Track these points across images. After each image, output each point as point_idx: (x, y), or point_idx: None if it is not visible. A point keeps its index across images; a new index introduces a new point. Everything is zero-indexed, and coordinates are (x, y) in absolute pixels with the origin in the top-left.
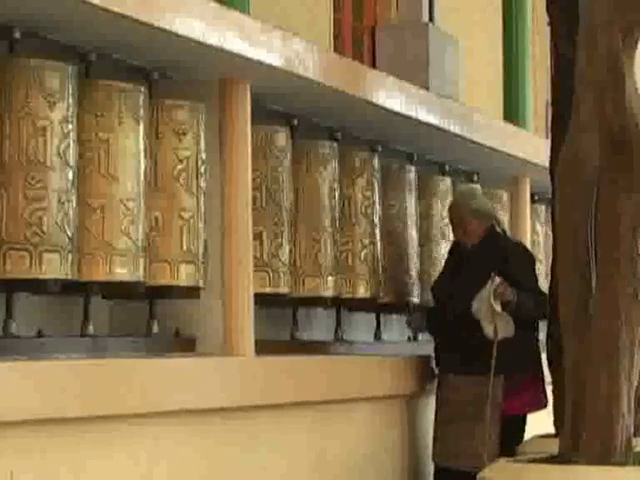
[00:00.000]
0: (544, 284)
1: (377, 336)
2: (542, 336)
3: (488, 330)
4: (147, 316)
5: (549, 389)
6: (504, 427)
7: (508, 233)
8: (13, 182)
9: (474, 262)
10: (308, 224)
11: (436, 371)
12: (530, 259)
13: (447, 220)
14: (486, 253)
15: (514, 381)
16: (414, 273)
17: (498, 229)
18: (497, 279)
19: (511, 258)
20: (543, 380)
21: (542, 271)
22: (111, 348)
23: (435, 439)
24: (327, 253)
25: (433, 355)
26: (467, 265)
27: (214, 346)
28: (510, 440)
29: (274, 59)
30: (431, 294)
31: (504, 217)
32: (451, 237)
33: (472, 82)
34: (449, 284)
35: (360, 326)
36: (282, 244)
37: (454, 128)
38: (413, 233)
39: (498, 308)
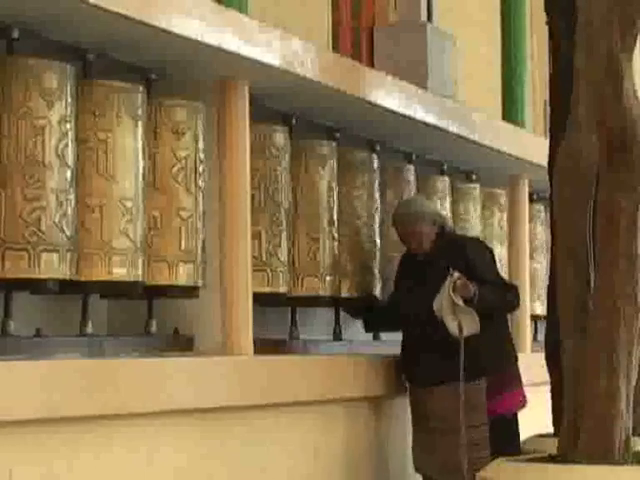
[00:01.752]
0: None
1: (375, 336)
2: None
3: (452, 327)
4: (146, 316)
5: (542, 389)
6: (493, 431)
7: (460, 231)
8: (11, 182)
9: (436, 267)
10: (307, 224)
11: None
12: (489, 251)
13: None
14: (445, 255)
15: (496, 381)
16: None
17: (447, 228)
18: (455, 274)
19: (470, 254)
20: (519, 377)
21: (541, 270)
22: (110, 348)
23: (416, 449)
24: (326, 253)
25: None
26: (429, 272)
27: (213, 345)
28: (502, 443)
29: (273, 59)
30: (389, 310)
31: (502, 216)
32: None
33: (470, 82)
34: (417, 291)
35: (359, 326)
36: (281, 243)
37: (452, 128)
38: None
39: (460, 302)
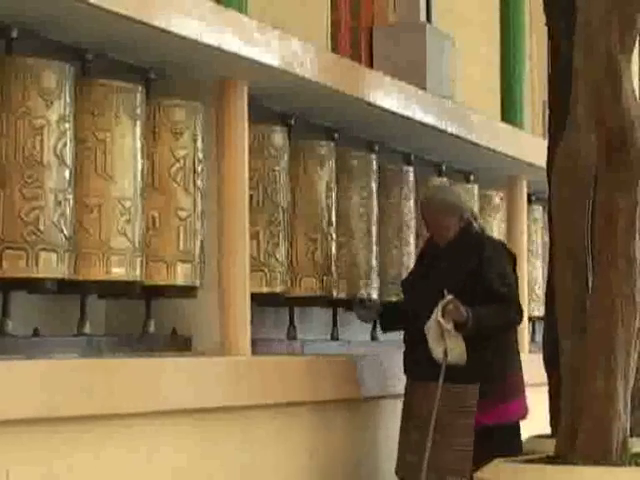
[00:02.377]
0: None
1: (373, 336)
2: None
3: (436, 352)
4: (144, 315)
5: (540, 390)
6: (489, 439)
7: (487, 232)
8: (10, 181)
9: (446, 261)
10: (305, 224)
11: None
12: (509, 258)
13: None
14: (460, 251)
15: (496, 389)
16: None
17: (475, 226)
18: (448, 296)
19: (486, 257)
20: (521, 387)
21: (539, 271)
22: (108, 347)
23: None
24: (324, 253)
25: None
26: (439, 263)
27: (211, 345)
28: (497, 452)
29: (271, 59)
30: (402, 291)
31: (500, 217)
32: None
33: (469, 82)
34: (419, 283)
35: (356, 326)
36: (279, 244)
37: (451, 128)
38: (410, 233)
39: (449, 327)
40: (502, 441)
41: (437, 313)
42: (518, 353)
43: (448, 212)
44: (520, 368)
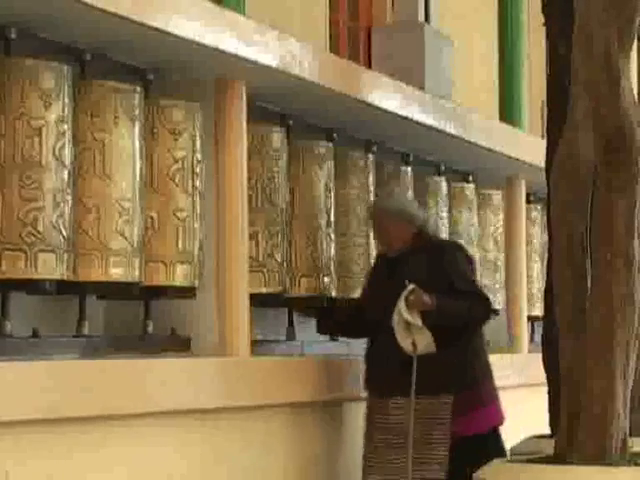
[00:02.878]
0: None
1: None
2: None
3: (405, 344)
4: (142, 316)
5: (539, 390)
6: (466, 450)
7: (443, 235)
8: (8, 182)
9: (405, 268)
10: (304, 224)
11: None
12: (467, 258)
13: (441, 220)
14: (418, 257)
15: (466, 398)
16: None
17: (427, 231)
18: (410, 286)
19: (446, 260)
20: (493, 394)
21: (538, 271)
22: (107, 348)
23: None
24: (323, 253)
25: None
26: (397, 275)
27: (209, 346)
28: (476, 463)
29: (270, 59)
30: (352, 314)
31: (498, 218)
32: (445, 236)
33: (467, 82)
34: (378, 298)
35: None
36: (278, 244)
37: (449, 128)
38: None
39: (414, 319)
40: (483, 450)
41: (400, 305)
42: (487, 359)
43: (397, 220)
44: (491, 374)
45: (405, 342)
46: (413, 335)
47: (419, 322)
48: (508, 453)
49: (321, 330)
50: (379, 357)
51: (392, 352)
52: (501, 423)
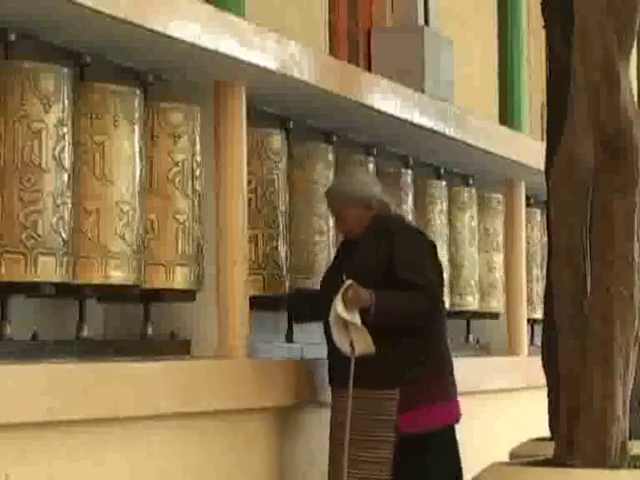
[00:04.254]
0: (533, 287)
1: None
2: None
3: (342, 344)
4: (142, 319)
5: (539, 392)
6: (405, 449)
7: (410, 220)
8: (8, 185)
9: (358, 254)
10: (304, 227)
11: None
12: (424, 246)
13: (441, 222)
14: (371, 241)
15: (420, 392)
16: None
17: (386, 215)
18: (347, 281)
19: (395, 245)
20: (450, 389)
21: (538, 273)
22: (106, 351)
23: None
24: (323, 256)
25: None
26: (351, 259)
27: (209, 349)
28: (410, 464)
29: (269, 62)
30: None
31: (498, 219)
32: (446, 239)
33: (467, 84)
34: (330, 285)
35: None
36: (278, 247)
37: (449, 131)
38: None
39: (352, 318)
40: (434, 449)
41: (337, 303)
42: (447, 350)
43: (352, 204)
44: (450, 367)
45: (342, 343)
46: (351, 335)
47: (358, 321)
48: (508, 456)
49: (296, 320)
50: (331, 346)
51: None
52: (456, 421)
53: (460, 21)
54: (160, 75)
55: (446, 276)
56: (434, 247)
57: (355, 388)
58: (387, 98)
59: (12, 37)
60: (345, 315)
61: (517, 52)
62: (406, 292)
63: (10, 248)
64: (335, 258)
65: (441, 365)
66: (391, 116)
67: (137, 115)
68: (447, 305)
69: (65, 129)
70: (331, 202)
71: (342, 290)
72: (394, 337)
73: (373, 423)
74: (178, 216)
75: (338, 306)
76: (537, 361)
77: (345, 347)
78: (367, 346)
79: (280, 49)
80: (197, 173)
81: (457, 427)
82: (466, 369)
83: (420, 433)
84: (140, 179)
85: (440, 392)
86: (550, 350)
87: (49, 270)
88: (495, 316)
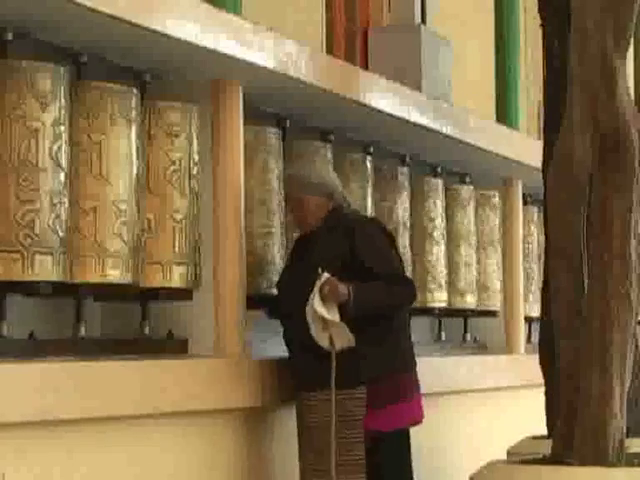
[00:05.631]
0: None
1: None
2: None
3: (322, 340)
4: (139, 318)
5: (536, 391)
6: (375, 448)
7: (365, 212)
8: (5, 184)
9: (317, 249)
10: None
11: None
12: (385, 236)
13: (438, 221)
14: (331, 236)
15: (382, 390)
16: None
17: (344, 207)
18: (324, 275)
19: (358, 238)
20: (413, 387)
21: (535, 272)
22: (103, 350)
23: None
24: None
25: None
26: (306, 259)
27: (207, 347)
28: (382, 463)
29: (266, 60)
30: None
31: (496, 218)
32: (443, 238)
33: (464, 83)
34: (289, 284)
35: None
36: (275, 246)
37: (446, 129)
38: (406, 235)
39: (331, 314)
40: (391, 449)
41: (314, 299)
42: (410, 348)
43: (315, 191)
44: (413, 366)
45: (322, 339)
46: (330, 330)
47: (336, 317)
48: (505, 454)
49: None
50: (294, 347)
51: (302, 341)
52: (420, 420)
53: (457, 20)
54: (157, 74)
55: (444, 275)
56: (393, 238)
57: (322, 390)
58: (384, 97)
59: (9, 36)
60: (324, 312)
61: (514, 50)
62: (382, 284)
63: (7, 247)
64: (290, 258)
65: (409, 360)
66: (388, 115)
67: (134, 114)
68: (444, 304)
69: (62, 128)
70: (293, 187)
71: (318, 285)
72: (359, 335)
73: (345, 425)
74: (175, 215)
75: (316, 302)
76: (535, 359)
77: (324, 343)
78: (347, 341)
79: (277, 48)
80: (194, 172)
81: (456, 426)
82: (464, 367)
83: (388, 432)
84: (137, 178)
85: (407, 388)
86: (547, 348)
87: (46, 269)
88: (493, 314)
